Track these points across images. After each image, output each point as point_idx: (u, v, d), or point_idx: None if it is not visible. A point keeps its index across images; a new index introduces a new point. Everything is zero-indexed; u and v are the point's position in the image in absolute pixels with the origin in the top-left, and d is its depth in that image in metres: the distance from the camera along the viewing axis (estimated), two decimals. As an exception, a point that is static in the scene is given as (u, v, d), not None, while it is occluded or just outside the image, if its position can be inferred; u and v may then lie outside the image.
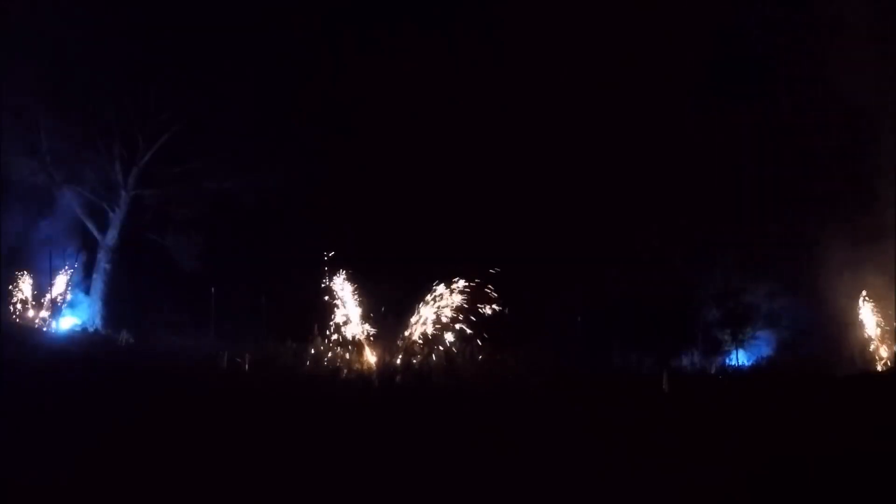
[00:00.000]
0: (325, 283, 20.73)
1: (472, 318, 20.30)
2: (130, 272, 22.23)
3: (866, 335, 22.51)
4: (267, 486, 7.73)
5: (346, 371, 19.02)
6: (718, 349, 22.77)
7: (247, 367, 17.95)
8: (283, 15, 22.25)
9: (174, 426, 10.04)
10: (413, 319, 20.45)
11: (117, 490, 7.21)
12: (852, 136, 22.56)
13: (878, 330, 22.46)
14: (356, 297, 20.77)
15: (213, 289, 21.08)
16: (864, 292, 22.65)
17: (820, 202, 22.56)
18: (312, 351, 19.91)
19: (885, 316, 22.28)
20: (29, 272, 22.51)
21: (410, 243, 22.78)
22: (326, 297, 20.68)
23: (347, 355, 19.93)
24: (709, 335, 22.93)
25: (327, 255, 21.03)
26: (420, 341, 20.25)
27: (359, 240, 22.49)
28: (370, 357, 19.95)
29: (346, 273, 20.82)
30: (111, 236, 21.94)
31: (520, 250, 22.39)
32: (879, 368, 21.25)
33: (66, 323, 21.27)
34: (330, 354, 19.92)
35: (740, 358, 22.31)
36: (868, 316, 22.60)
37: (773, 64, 23.47)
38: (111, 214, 21.97)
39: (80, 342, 19.02)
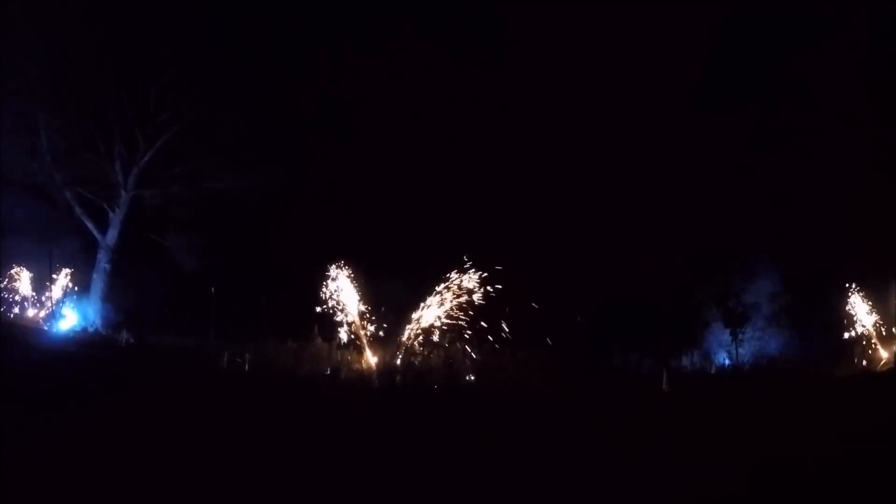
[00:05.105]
0: (325, 282, 20.73)
1: (472, 318, 20.25)
2: (130, 272, 22.22)
3: (866, 335, 22.54)
4: (267, 486, 7.73)
5: (345, 371, 19.00)
6: (718, 349, 22.76)
7: (247, 367, 17.95)
8: (283, 14, 22.26)
9: (174, 426, 10.05)
10: (414, 316, 20.42)
11: (117, 490, 7.21)
12: (850, 138, 22.59)
13: (878, 330, 22.50)
14: (356, 296, 20.76)
15: (213, 289, 21.05)
16: (863, 292, 22.70)
17: (819, 202, 22.59)
18: (312, 351, 19.89)
19: (884, 316, 22.33)
20: (29, 272, 22.56)
21: (410, 244, 22.78)
22: (326, 297, 20.67)
23: (348, 355, 19.91)
24: (709, 335, 22.93)
25: (327, 255, 21.03)
26: (420, 342, 20.20)
27: (359, 240, 22.49)
28: (370, 357, 19.94)
29: (346, 273, 20.83)
30: (111, 236, 21.93)
31: (520, 250, 22.38)
32: (879, 368, 21.26)
33: (66, 323, 21.25)
34: (330, 355, 19.90)
35: (740, 358, 22.29)
36: (867, 316, 22.64)
37: (771, 66, 23.50)
38: (111, 214, 21.95)
39: (80, 342, 19.00)
